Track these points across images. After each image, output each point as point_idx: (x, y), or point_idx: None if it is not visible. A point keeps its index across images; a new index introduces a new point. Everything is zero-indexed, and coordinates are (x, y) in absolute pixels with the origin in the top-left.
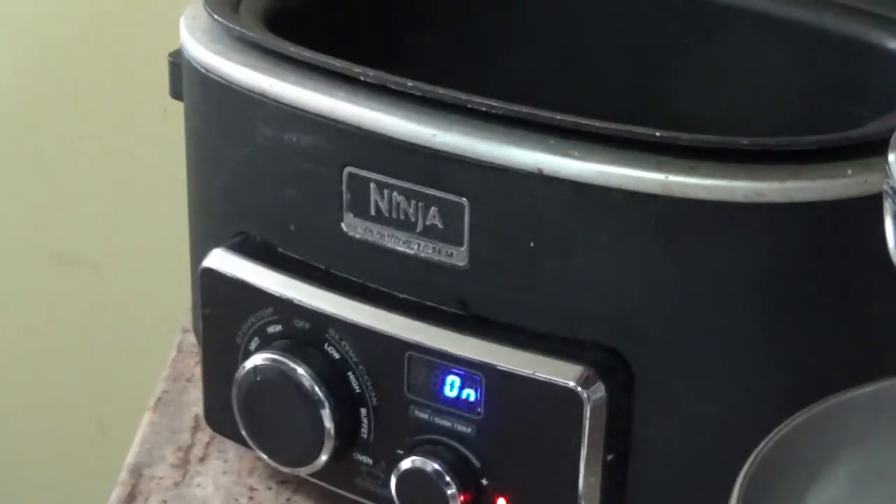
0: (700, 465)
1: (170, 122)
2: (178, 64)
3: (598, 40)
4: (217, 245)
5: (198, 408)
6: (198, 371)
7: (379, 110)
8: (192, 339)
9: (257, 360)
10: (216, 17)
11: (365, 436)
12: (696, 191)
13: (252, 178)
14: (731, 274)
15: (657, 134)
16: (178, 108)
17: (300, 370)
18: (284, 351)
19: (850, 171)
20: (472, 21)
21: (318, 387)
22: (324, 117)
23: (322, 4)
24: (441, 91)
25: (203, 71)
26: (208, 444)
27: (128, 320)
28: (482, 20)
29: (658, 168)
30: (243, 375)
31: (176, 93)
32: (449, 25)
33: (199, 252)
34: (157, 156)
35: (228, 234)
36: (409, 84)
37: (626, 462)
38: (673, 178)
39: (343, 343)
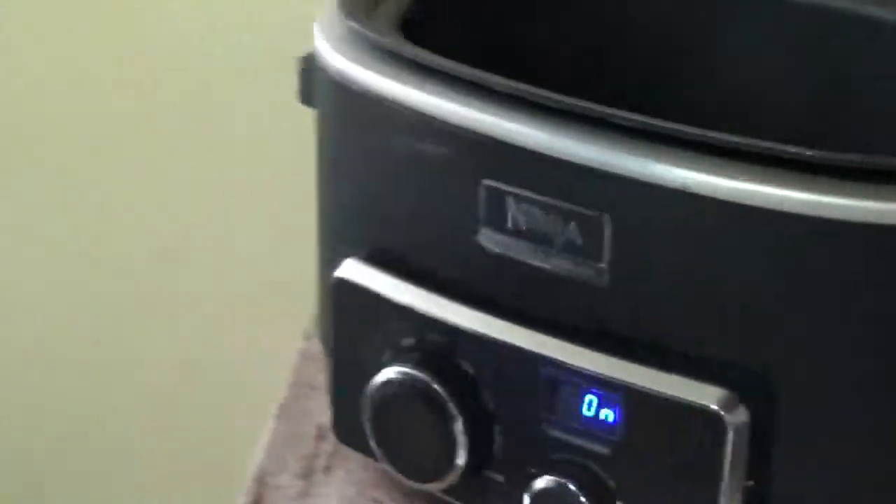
0: (846, 495)
1: (287, 124)
2: (310, 70)
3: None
4: (349, 255)
5: (321, 416)
6: (321, 379)
7: (519, 122)
8: (315, 346)
9: (389, 373)
10: (354, 25)
11: (497, 453)
12: (848, 212)
13: (387, 189)
14: (882, 298)
15: (807, 153)
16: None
17: (433, 385)
18: (417, 365)
19: None
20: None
21: (451, 402)
22: (462, 128)
23: (463, 12)
24: (583, 104)
25: (339, 79)
26: (332, 454)
27: (251, 323)
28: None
29: (807, 188)
30: (375, 388)
31: (306, 99)
32: (589, 35)
33: (328, 261)
34: (278, 153)
35: (361, 245)
36: (550, 96)
37: (767, 489)
38: (823, 198)
39: (477, 358)
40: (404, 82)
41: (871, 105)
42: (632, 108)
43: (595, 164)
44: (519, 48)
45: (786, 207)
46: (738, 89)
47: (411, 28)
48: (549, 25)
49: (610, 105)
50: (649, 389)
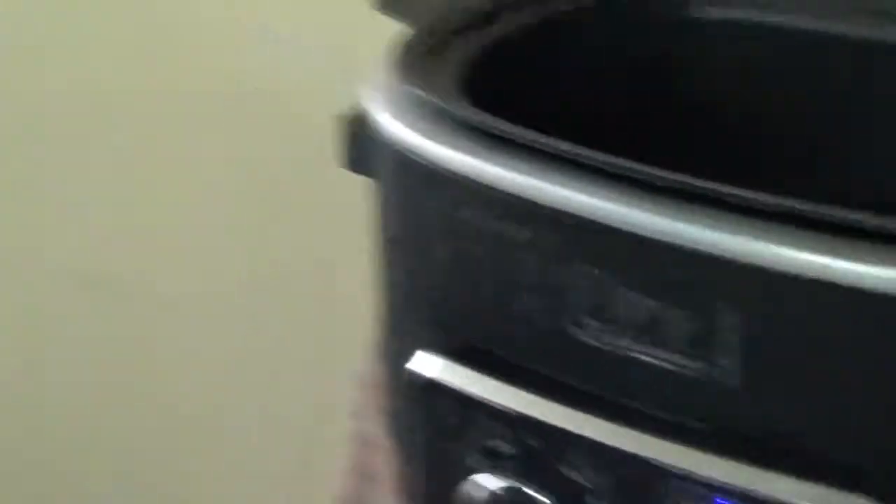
0: None
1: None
2: (359, 134)
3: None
4: (422, 346)
5: None
6: (378, 465)
7: (622, 203)
8: (363, 426)
9: (483, 483)
10: (420, 93)
11: None
12: None
13: (467, 273)
14: None
15: None
16: None
17: (537, 497)
18: (515, 473)
19: None
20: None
21: None
22: (555, 209)
23: (534, 72)
24: (699, 182)
25: (406, 154)
26: None
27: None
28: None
29: None
30: (467, 501)
31: (354, 165)
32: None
33: (396, 352)
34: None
35: (437, 335)
36: (658, 174)
37: None
38: None
39: (585, 466)
40: (486, 158)
41: None
42: (746, 181)
43: (715, 250)
44: (611, 112)
45: None
46: (873, 163)
47: (474, 88)
48: (646, 89)
49: (722, 178)
50: (789, 501)
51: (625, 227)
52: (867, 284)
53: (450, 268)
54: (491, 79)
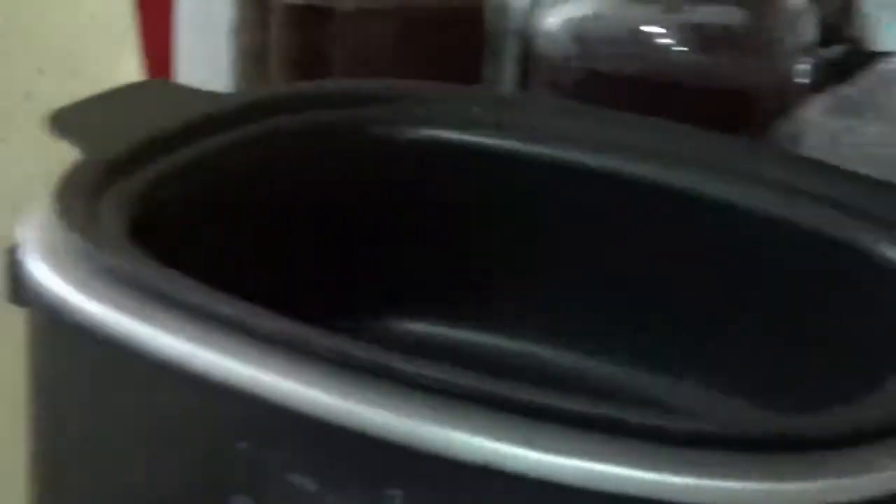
0: None
1: None
2: (20, 263)
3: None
4: None
5: None
6: None
7: (281, 373)
8: None
9: None
10: (82, 240)
11: None
12: (724, 496)
13: (113, 443)
14: None
15: (665, 425)
16: None
17: None
18: None
19: None
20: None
21: None
22: (207, 376)
23: (202, 220)
24: (361, 353)
25: (52, 306)
26: None
27: None
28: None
29: (668, 465)
30: None
31: (17, 299)
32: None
33: None
34: None
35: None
36: (320, 342)
37: None
38: (677, 479)
39: None
40: (137, 315)
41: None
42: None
43: (379, 432)
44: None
45: (635, 491)
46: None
47: (142, 228)
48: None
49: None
50: None
51: (284, 403)
52: (535, 473)
53: (97, 438)
54: (171, 213)
